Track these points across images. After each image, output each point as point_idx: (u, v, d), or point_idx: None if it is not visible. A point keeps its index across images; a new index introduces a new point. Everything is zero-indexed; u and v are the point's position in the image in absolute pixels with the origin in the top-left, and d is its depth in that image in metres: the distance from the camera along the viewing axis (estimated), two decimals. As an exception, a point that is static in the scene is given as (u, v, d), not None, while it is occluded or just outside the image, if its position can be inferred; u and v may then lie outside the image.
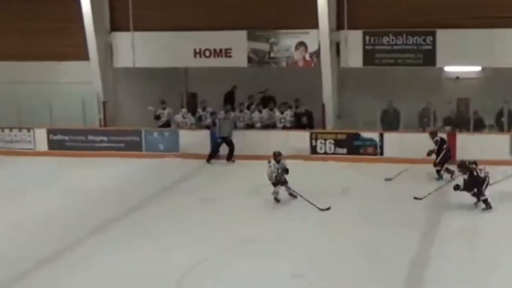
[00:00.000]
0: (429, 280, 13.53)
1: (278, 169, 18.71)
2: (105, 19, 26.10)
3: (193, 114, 25.37)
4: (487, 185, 17.78)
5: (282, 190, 18.86)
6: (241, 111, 25.06)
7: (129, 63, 25.86)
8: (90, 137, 25.61)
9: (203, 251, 15.14)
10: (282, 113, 24.72)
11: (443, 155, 20.92)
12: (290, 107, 24.84)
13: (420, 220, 17.19)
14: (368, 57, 24.16)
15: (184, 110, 25.51)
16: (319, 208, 17.99)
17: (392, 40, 23.89)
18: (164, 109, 25.53)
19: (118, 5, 25.93)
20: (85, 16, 25.36)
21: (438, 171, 20.87)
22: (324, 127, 24.49)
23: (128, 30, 25.68)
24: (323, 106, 24.44)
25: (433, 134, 21.24)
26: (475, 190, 17.73)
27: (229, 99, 26.17)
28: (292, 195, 18.95)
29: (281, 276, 13.72)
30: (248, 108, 25.30)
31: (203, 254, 14.93)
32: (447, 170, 20.69)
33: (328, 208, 18.00)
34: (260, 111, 24.94)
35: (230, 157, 23.95)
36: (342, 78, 24.90)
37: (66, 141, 25.69)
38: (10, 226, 17.28)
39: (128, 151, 24.99)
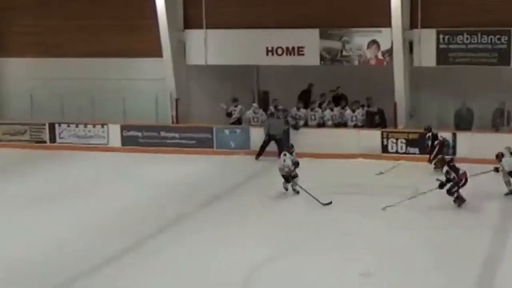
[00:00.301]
0: (500, 281, 13.32)
1: (292, 161, 19.14)
2: (179, 17, 26.34)
3: (265, 112, 25.41)
4: (462, 185, 17.85)
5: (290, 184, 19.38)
6: (312, 109, 25.01)
7: (202, 61, 26.05)
8: (163, 134, 25.85)
9: (272, 248, 15.18)
10: (353, 111, 24.61)
11: (437, 151, 21.53)
12: (362, 106, 24.71)
13: (493, 219, 16.95)
14: (442, 56, 23.88)
15: (255, 105, 25.61)
16: (322, 203, 18.27)
17: (467, 39, 23.57)
18: (235, 106, 25.63)
19: (192, 2, 26.14)
20: (159, 13, 25.64)
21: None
22: (396, 126, 24.31)
23: (201, 27, 25.87)
24: (395, 105, 24.25)
25: (426, 130, 22.15)
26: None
27: (305, 97, 26.11)
28: (295, 191, 19.36)
29: (350, 272, 13.68)
30: (319, 106, 25.24)
31: (272, 251, 14.97)
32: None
33: (330, 203, 18.26)
34: (331, 109, 24.86)
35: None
36: (414, 77, 24.66)
37: (139, 137, 25.99)
38: (82, 221, 17.55)
39: (199, 148, 25.17)
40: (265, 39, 25.34)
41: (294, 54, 25.27)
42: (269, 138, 24.07)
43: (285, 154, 19.57)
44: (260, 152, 24.18)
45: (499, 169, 19.13)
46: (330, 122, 24.62)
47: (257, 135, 24.66)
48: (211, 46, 25.90)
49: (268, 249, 15.09)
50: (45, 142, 26.84)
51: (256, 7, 25.35)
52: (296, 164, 19.32)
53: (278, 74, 26.60)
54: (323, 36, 24.91)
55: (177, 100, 26.36)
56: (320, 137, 23.91)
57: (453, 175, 17.86)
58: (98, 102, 26.27)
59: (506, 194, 19.10)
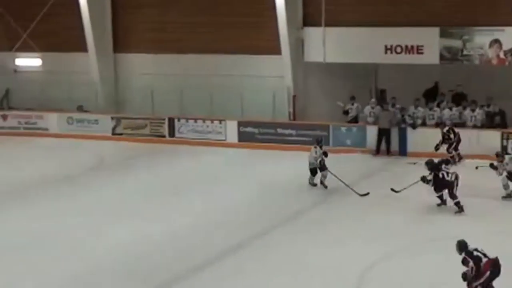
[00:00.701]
0: None
1: (321, 155, 19.87)
2: (298, 14, 26.44)
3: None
4: (456, 187, 17.64)
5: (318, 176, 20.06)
6: (430, 108, 24.66)
7: (320, 58, 26.03)
8: (279, 131, 26.01)
9: (387, 246, 15.10)
10: (473, 111, 24.12)
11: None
12: (482, 106, 24.20)
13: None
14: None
15: (373, 100, 25.44)
16: (359, 194, 18.95)
17: None
18: (352, 104, 25.54)
19: (311, 0, 26.20)
20: (278, 11, 25.79)
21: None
22: (517, 128, 23.77)
23: (319, 25, 25.86)
24: (517, 105, 23.72)
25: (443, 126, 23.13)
26: (446, 191, 17.63)
27: (430, 95, 25.74)
28: (324, 185, 20.07)
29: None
30: (438, 105, 24.86)
31: (386, 250, 14.88)
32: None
33: (367, 194, 18.97)
34: (450, 109, 24.44)
35: (389, 151, 24.24)
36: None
37: (256, 134, 26.21)
38: (197, 216, 17.86)
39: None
40: (384, 37, 25.14)
41: (413, 53, 24.98)
42: (379, 132, 24.08)
43: (315, 147, 20.16)
44: (378, 148, 24.13)
45: (500, 172, 18.72)
46: (448, 122, 24.18)
47: (373, 134, 24.54)
48: (330, 44, 25.84)
49: (381, 247, 15.02)
50: (164, 136, 27.42)
51: (375, 5, 25.19)
52: (325, 154, 19.99)
53: (396, 72, 26.32)
54: (443, 34, 24.52)
55: (294, 97, 26.47)
56: (437, 137, 23.55)
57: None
58: (216, 98, 26.67)
59: (504, 198, 18.71)
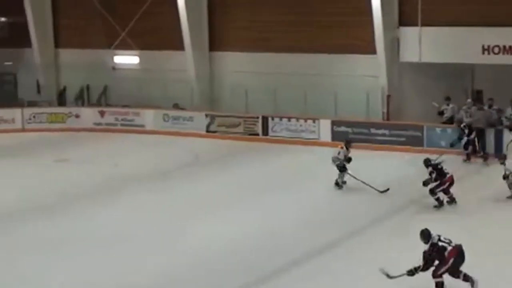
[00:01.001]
0: None
1: (344, 160, 19.96)
2: (394, 14, 26.25)
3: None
4: (445, 189, 17.96)
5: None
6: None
7: (415, 58, 25.81)
8: (372, 130, 25.87)
9: (481, 252, 14.86)
10: None
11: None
12: None
13: None
14: None
15: (469, 100, 25.01)
16: (379, 191, 18.95)
17: None
18: (447, 105, 25.18)
19: (407, 0, 25.99)
20: (374, 10, 25.67)
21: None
22: None
23: (416, 25, 25.64)
24: None
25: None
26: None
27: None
28: (339, 184, 20.20)
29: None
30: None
31: (479, 255, 14.66)
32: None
33: (387, 190, 18.99)
34: (548, 111, 23.87)
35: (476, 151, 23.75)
36: None
37: (349, 133, 26.07)
38: (271, 218, 17.86)
39: (408, 146, 24.97)
40: (481, 37, 24.78)
41: (511, 53, 24.51)
42: (474, 132, 23.62)
43: (342, 147, 20.28)
44: (474, 150, 23.75)
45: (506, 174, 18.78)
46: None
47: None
48: (426, 44, 25.58)
49: (477, 253, 14.80)
50: (257, 134, 27.60)
51: (472, 4, 24.84)
52: (348, 160, 19.98)
53: (494, 73, 25.87)
54: (544, 34, 24.02)
55: (388, 96, 26.29)
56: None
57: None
58: (310, 97, 26.70)
59: (509, 197, 18.74)
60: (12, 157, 25.43)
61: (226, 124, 28.20)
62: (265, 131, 27.51)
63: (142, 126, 29.64)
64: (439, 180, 18.04)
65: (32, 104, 31.38)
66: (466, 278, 12.70)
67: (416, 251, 13.35)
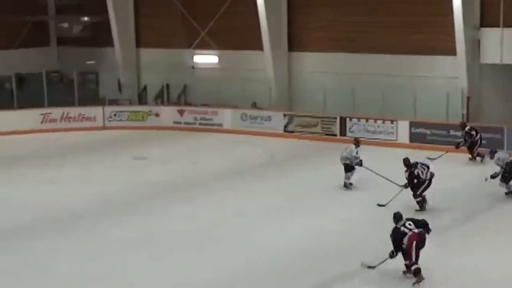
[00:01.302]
0: None
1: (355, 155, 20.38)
2: (475, 14, 25.89)
3: None
4: (426, 187, 18.14)
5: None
6: None
7: (496, 60, 25.45)
8: (452, 132, 25.49)
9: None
10: None
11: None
12: None
13: None
14: None
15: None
16: (399, 186, 18.61)
17: None
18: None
19: (489, 0, 25.58)
20: (455, 11, 25.36)
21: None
22: None
23: (497, 26, 25.29)
24: None
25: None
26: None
27: None
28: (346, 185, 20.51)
29: None
30: None
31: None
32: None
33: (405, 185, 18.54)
34: None
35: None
36: None
37: (427, 135, 25.88)
38: (345, 219, 17.88)
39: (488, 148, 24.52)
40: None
41: None
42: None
43: (356, 147, 20.65)
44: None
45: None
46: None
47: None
48: (507, 45, 25.19)
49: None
50: (335, 135, 27.53)
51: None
52: (359, 163, 20.33)
53: None
54: None
55: (468, 98, 25.92)
56: None
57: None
58: (388, 97, 26.50)
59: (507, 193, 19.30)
60: (93, 154, 26.03)
61: (304, 124, 28.22)
62: (343, 132, 27.43)
63: (220, 125, 29.87)
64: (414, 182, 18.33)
65: (113, 102, 31.93)
66: (416, 270, 13.60)
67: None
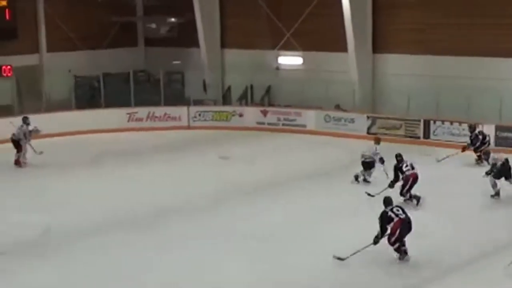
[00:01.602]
0: None
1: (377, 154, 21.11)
2: None
3: None
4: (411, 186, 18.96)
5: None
6: None
7: None
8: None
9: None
10: None
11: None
12: None
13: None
14: None
15: None
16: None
17: None
18: None
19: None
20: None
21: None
22: None
23: None
24: None
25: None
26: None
27: None
28: (366, 180, 21.40)
29: None
30: None
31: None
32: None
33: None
34: None
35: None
36: None
37: (513, 139, 25.55)
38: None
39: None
40: None
41: None
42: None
43: (377, 143, 21.64)
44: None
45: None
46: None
47: None
48: None
49: None
50: (418, 137, 27.38)
51: None
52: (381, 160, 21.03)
53: None
54: None
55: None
56: None
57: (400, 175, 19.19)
58: (473, 101, 26.18)
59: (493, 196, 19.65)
60: (178, 153, 26.48)
61: (387, 126, 28.14)
62: (427, 135, 27.27)
63: (304, 126, 30.01)
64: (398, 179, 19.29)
65: (198, 102, 32.36)
66: (400, 251, 14.79)
67: None
